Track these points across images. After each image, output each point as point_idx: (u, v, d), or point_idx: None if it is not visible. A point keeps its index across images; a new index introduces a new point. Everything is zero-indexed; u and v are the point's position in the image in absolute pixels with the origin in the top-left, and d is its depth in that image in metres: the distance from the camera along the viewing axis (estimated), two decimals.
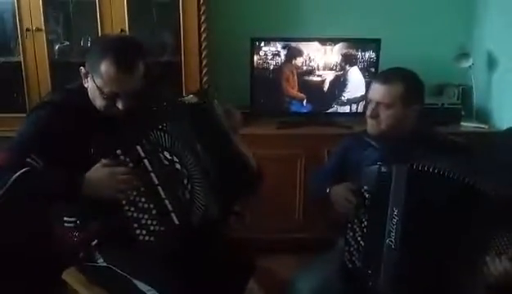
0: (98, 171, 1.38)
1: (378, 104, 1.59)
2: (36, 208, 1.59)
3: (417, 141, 1.57)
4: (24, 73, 2.42)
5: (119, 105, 1.44)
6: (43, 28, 2.38)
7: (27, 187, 1.34)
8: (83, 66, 1.48)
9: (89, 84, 1.46)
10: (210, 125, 1.60)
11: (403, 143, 1.58)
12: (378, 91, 1.59)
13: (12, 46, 2.51)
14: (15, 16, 2.37)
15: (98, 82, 1.42)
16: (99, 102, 1.46)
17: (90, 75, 1.45)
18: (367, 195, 1.48)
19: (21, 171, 1.32)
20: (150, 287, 1.40)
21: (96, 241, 1.49)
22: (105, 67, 1.40)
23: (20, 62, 2.42)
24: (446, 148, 1.61)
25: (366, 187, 1.49)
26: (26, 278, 2.04)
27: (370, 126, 1.62)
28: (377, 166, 1.46)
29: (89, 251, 1.51)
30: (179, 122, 1.54)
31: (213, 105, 1.64)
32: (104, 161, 1.38)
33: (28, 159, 1.35)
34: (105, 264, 1.49)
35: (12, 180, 1.31)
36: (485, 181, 1.31)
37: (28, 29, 2.37)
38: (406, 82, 1.58)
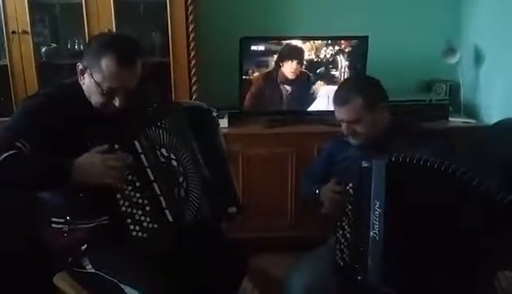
0: (89, 157, 1.36)
1: (348, 122, 1.64)
2: (28, 203, 1.56)
3: (395, 134, 1.61)
4: (10, 77, 2.40)
5: (116, 102, 1.44)
6: (30, 30, 2.36)
7: (15, 168, 1.31)
8: (75, 65, 1.47)
9: (86, 81, 1.46)
10: (208, 130, 1.65)
11: (383, 137, 1.62)
12: (341, 112, 1.64)
13: None
14: (1, 19, 2.34)
15: (97, 77, 1.42)
16: (95, 98, 1.45)
17: (88, 71, 1.44)
18: (352, 192, 1.51)
19: (10, 152, 1.30)
20: (136, 292, 1.39)
21: (85, 246, 1.47)
22: (106, 62, 1.40)
23: (7, 65, 2.39)
24: (424, 138, 1.63)
25: (350, 184, 1.52)
26: (15, 283, 2.02)
27: (352, 141, 1.67)
28: (359, 162, 1.49)
29: (77, 256, 1.50)
30: (178, 120, 1.55)
31: (213, 115, 1.69)
32: (97, 148, 1.37)
33: (17, 143, 1.33)
34: (93, 270, 1.47)
35: (0, 160, 1.29)
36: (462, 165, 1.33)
37: (14, 32, 2.35)
38: (361, 94, 1.61)
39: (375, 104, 1.63)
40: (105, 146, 1.38)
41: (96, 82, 1.42)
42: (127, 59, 1.42)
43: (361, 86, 1.66)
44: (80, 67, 1.47)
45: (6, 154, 1.30)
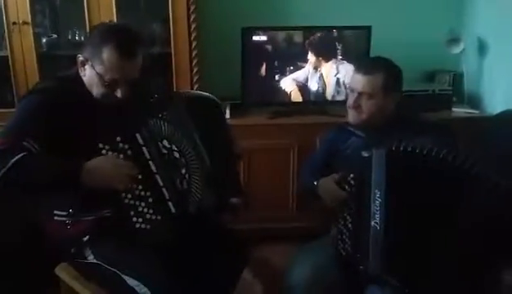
0: (101, 162, 1.35)
1: (360, 94, 1.63)
2: (30, 197, 1.55)
3: (398, 125, 1.61)
4: (11, 68, 2.39)
5: (118, 93, 1.43)
6: (30, 21, 2.35)
7: (26, 171, 1.29)
8: (75, 56, 1.46)
9: (87, 72, 1.45)
10: (211, 120, 1.64)
11: (385, 128, 1.62)
12: (360, 81, 1.63)
13: None
14: (1, 10, 2.33)
15: (98, 69, 1.41)
16: (97, 90, 1.44)
17: (89, 62, 1.43)
18: (353, 182, 1.51)
19: (20, 154, 1.28)
20: (138, 282, 1.39)
21: (87, 237, 1.47)
22: (107, 53, 1.39)
23: (7, 56, 2.38)
24: (427, 129, 1.63)
25: (351, 175, 1.51)
26: (17, 274, 2.03)
27: (352, 115, 1.66)
28: (359, 152, 1.48)
29: (80, 247, 1.49)
30: (180, 111, 1.55)
31: (217, 105, 1.69)
32: (105, 152, 1.37)
33: (25, 143, 1.31)
34: (94, 260, 1.47)
35: (11, 163, 1.26)
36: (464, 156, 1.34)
37: (14, 23, 2.34)
38: (386, 72, 1.63)
39: (392, 91, 1.63)
40: (118, 146, 1.38)
41: (97, 73, 1.41)
42: (128, 50, 1.41)
43: (389, 67, 1.66)
44: (81, 58, 1.45)
45: (16, 158, 1.27)
